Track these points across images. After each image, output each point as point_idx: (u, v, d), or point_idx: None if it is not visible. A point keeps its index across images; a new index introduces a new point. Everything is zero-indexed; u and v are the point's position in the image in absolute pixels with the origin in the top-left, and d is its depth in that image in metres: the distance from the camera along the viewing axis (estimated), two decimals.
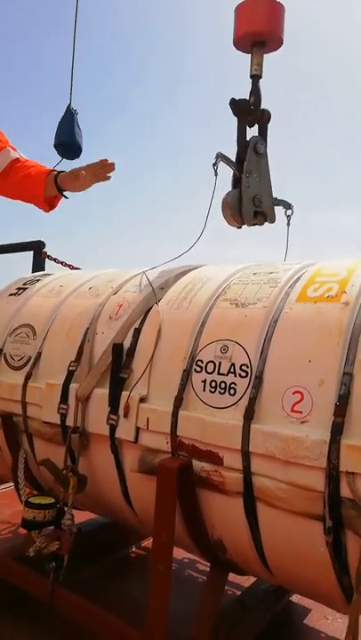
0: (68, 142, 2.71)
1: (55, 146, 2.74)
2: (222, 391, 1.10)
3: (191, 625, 1.24)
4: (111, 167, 1.88)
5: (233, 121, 1.46)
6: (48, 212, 2.12)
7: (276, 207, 1.51)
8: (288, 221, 1.52)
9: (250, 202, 1.42)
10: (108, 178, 1.90)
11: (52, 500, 1.34)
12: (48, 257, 3.35)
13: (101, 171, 1.86)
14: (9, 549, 1.56)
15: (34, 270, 3.28)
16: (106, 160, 1.87)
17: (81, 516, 1.68)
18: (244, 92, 1.46)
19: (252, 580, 1.53)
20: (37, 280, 1.84)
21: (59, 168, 2.02)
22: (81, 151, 2.79)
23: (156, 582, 1.09)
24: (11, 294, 1.82)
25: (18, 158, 2.12)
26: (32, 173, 2.02)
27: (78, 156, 2.77)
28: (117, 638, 1.18)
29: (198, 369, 1.15)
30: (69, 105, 2.81)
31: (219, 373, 1.12)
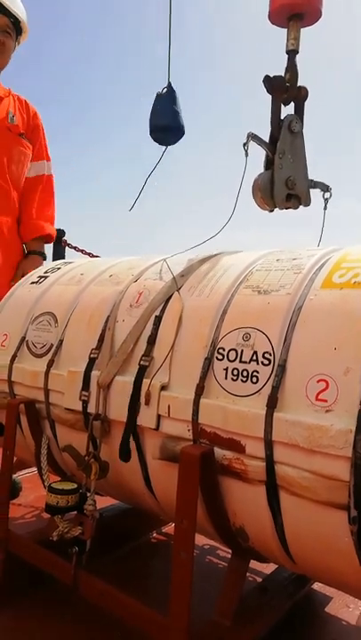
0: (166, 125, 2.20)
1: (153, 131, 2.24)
2: (244, 379, 1.09)
3: (213, 610, 1.25)
4: None
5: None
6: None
7: (312, 190, 1.40)
8: (325, 205, 1.43)
9: (282, 184, 1.33)
10: None
11: (75, 486, 1.36)
12: (68, 245, 3.36)
13: None
14: (33, 533, 1.59)
15: (54, 258, 3.30)
16: None
17: (103, 502, 1.70)
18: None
19: (273, 566, 1.53)
20: (58, 268, 1.85)
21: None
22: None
23: (178, 569, 1.09)
24: (32, 282, 1.83)
25: (45, 175, 2.61)
26: (29, 221, 2.55)
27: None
28: (141, 623, 1.19)
29: (220, 357, 1.14)
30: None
31: (241, 361, 1.11)
